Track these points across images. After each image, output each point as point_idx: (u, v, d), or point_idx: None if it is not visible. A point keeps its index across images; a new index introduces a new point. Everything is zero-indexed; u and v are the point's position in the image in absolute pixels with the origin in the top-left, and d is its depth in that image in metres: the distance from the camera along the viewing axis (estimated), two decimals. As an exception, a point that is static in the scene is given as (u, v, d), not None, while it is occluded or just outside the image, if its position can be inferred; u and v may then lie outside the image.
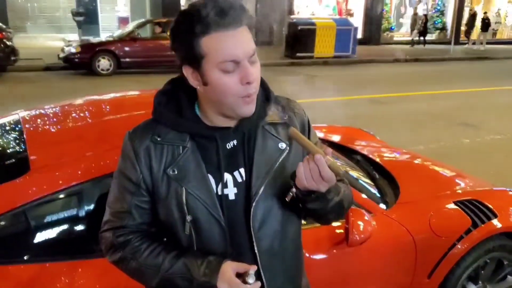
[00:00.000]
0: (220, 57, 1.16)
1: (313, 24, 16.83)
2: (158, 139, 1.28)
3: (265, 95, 1.35)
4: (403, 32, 25.18)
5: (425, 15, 22.37)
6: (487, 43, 22.96)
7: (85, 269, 1.92)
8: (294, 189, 1.25)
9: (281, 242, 1.36)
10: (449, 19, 25.41)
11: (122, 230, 1.33)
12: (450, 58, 18.97)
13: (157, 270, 1.29)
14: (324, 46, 17.00)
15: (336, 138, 3.86)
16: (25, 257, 1.93)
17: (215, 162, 1.29)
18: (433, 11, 25.77)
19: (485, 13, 23.19)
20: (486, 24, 22.25)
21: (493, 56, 19.85)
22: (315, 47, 16.88)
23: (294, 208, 1.37)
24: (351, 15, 22.35)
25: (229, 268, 1.24)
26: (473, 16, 23.66)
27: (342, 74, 14.41)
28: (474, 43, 23.16)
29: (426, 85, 12.15)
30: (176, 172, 1.26)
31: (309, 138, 1.39)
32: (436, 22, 25.84)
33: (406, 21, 24.62)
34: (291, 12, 20.37)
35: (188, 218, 1.26)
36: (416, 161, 3.57)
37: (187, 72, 1.23)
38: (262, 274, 1.33)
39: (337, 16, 21.18)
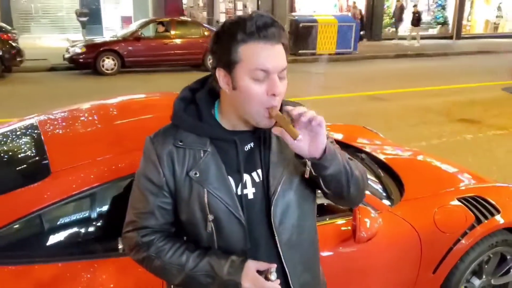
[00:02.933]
0: (253, 64, 1.26)
1: (314, 21, 16.88)
2: (180, 143, 1.36)
3: None
4: (405, 27, 25.17)
5: (360, 10, 21.56)
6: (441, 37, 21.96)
7: (103, 268, 2.00)
8: (308, 162, 1.32)
9: (299, 235, 1.45)
10: (450, 13, 25.37)
11: (145, 230, 1.41)
12: (452, 53, 18.99)
13: (182, 269, 1.37)
14: (326, 43, 17.05)
15: (340, 136, 3.93)
16: (47, 257, 2.01)
17: (235, 164, 1.37)
18: (435, 5, 25.73)
19: (414, 6, 21.92)
20: (417, 18, 20.96)
21: (496, 50, 19.85)
22: (317, 44, 16.93)
23: (309, 201, 1.48)
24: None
25: (252, 266, 1.33)
26: (400, 8, 22.06)
27: (344, 71, 14.46)
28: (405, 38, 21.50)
29: (428, 81, 12.20)
30: (198, 175, 1.34)
31: None
32: (437, 16, 25.81)
33: (407, 16, 24.42)
34: (292, 9, 20.39)
35: (210, 217, 1.34)
36: (419, 158, 3.64)
37: (220, 74, 1.33)
38: (284, 265, 1.42)
39: (339, 13, 21.16)
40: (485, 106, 9.35)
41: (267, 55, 1.26)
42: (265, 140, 1.41)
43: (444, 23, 25.91)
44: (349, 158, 1.46)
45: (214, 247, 1.39)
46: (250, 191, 1.39)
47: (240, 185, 1.37)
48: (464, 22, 25.54)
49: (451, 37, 22.67)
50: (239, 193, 1.37)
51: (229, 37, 1.28)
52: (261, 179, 1.40)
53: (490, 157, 6.36)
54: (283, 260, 1.42)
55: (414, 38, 20.81)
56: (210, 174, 1.35)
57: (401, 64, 16.02)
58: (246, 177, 1.38)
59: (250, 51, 1.26)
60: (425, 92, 10.79)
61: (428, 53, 18.45)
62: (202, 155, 1.36)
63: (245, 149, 1.39)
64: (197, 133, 1.37)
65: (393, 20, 22.56)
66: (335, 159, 1.34)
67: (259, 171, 1.40)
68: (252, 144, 1.40)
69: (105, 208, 2.21)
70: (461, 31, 25.04)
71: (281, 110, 1.34)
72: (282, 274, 1.42)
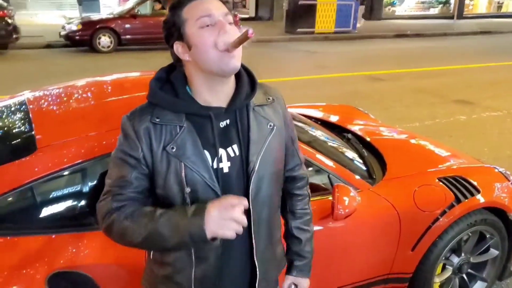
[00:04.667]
0: (196, 15, 1.36)
1: (313, -2, 16.77)
2: (157, 119, 1.40)
3: (250, 79, 1.51)
4: (405, 7, 25.00)
5: None
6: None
7: (89, 240, 2.07)
8: None
9: (268, 210, 1.53)
10: (452, -8, 25.16)
11: (120, 197, 1.41)
12: (452, 33, 18.90)
13: (146, 223, 1.35)
14: (324, 22, 16.98)
15: (329, 116, 3.98)
16: (33, 230, 2.07)
17: (211, 138, 1.42)
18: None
19: None
20: None
21: (498, 30, 19.74)
22: (315, 23, 16.86)
23: (278, 181, 1.57)
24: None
25: (216, 200, 1.35)
26: None
27: (342, 50, 14.42)
28: None
29: (426, 61, 12.20)
30: (175, 149, 1.39)
31: (285, 120, 1.59)
32: (439, -5, 25.61)
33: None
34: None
35: (187, 190, 1.39)
36: (406, 139, 3.69)
37: (177, 48, 1.41)
38: (253, 238, 1.49)
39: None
40: (481, 87, 9.38)
41: (205, 5, 1.37)
42: (241, 117, 1.47)
43: (446, 3, 25.69)
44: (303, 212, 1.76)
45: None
46: (225, 165, 1.44)
47: (216, 159, 1.42)
48: (467, 1, 25.30)
49: (452, 17, 22.45)
50: (214, 166, 1.42)
51: (173, 8, 1.40)
52: (237, 154, 1.45)
53: (482, 138, 6.41)
54: (252, 234, 1.49)
55: None
56: (187, 149, 1.39)
57: (400, 44, 15.98)
58: (221, 151, 1.43)
59: (190, 8, 1.37)
60: (421, 73, 10.79)
61: (427, 34, 18.36)
62: (178, 130, 1.40)
63: (221, 125, 1.44)
64: (173, 109, 1.41)
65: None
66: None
67: (235, 146, 1.45)
68: (227, 121, 1.45)
69: (89, 183, 2.26)
70: (463, 10, 24.83)
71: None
72: (249, 248, 1.50)
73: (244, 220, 1.29)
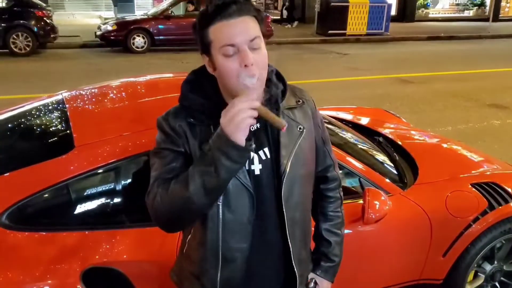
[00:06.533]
0: (220, 42, 1.33)
1: (345, 1, 16.65)
2: (192, 120, 1.42)
3: (280, 82, 1.51)
4: (439, 9, 24.58)
5: None
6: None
7: (122, 238, 2.12)
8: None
9: (301, 212, 1.54)
10: (488, -5, 24.61)
11: (168, 181, 1.38)
12: (487, 36, 18.48)
13: (188, 173, 1.33)
14: (356, 23, 16.85)
15: (361, 119, 3.96)
16: (68, 226, 2.14)
17: None
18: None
19: None
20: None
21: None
22: (347, 24, 16.75)
23: (310, 183, 1.57)
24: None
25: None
26: None
27: (374, 52, 14.28)
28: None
29: (459, 65, 11.95)
30: None
31: (315, 121, 1.58)
32: (474, -2, 25.09)
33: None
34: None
35: None
36: (438, 143, 3.64)
37: (205, 60, 1.42)
38: (288, 240, 1.50)
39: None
40: (517, 91, 9.14)
41: (230, 31, 1.32)
42: None
43: (481, 5, 25.17)
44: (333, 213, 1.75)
45: (219, 218, 1.44)
46: (257, 167, 1.45)
47: (248, 161, 1.43)
48: (503, 3, 24.70)
49: (487, 20, 21.97)
50: (247, 168, 1.43)
51: (199, 24, 1.37)
52: (268, 157, 1.46)
53: (517, 144, 6.25)
54: (287, 236, 1.50)
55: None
56: None
57: (433, 47, 15.71)
58: (253, 154, 1.44)
59: (216, 31, 1.34)
60: (455, 76, 10.59)
61: (461, 36, 18.01)
62: (212, 130, 1.39)
63: (251, 129, 1.43)
64: (205, 111, 1.43)
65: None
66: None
67: (266, 149, 1.47)
68: (258, 125, 1.46)
69: (125, 181, 2.31)
70: (499, 13, 24.26)
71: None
72: (284, 250, 1.51)
73: (254, 103, 1.26)
